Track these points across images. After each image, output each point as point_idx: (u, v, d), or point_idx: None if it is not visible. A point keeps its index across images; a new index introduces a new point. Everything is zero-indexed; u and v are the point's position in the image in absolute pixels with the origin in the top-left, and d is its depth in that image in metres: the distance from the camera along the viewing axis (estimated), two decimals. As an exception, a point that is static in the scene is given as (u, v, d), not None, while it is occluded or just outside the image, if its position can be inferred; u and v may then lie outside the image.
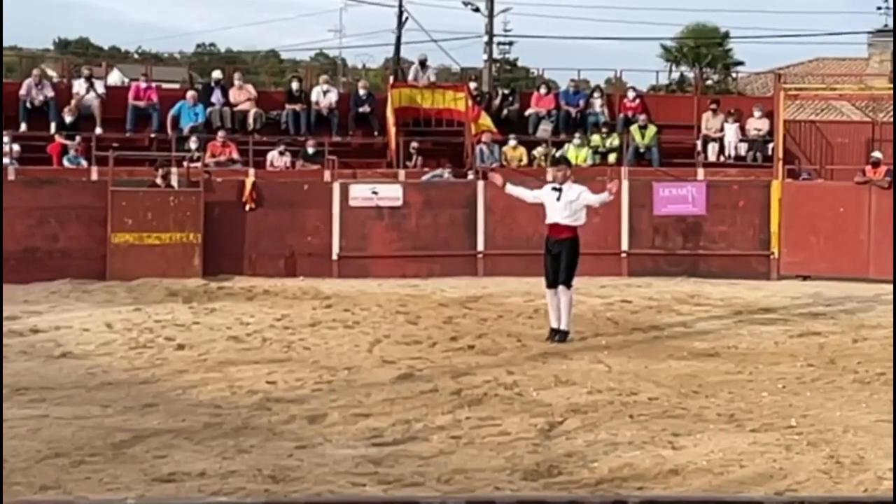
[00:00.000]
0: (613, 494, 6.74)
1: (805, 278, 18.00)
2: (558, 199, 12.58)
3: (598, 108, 21.63)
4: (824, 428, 8.74)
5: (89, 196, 17.47)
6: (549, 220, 12.71)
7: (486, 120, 21.15)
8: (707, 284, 17.16)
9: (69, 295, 15.59)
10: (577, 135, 20.84)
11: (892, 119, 23.91)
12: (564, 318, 12.54)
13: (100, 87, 21.23)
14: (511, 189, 13.14)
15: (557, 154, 20.79)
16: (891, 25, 32.71)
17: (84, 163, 19.29)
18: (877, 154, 18.86)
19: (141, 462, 7.77)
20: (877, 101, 23.37)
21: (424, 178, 19.68)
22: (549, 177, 13.30)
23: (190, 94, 20.89)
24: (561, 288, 12.51)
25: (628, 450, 8.13)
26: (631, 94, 22.14)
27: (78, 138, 19.53)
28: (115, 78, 23.64)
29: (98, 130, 20.21)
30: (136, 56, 54.78)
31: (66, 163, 19.31)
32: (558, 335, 12.43)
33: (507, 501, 2.64)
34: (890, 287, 16.70)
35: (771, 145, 19.99)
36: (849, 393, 10.08)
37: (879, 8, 34.66)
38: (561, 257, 12.52)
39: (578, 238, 12.73)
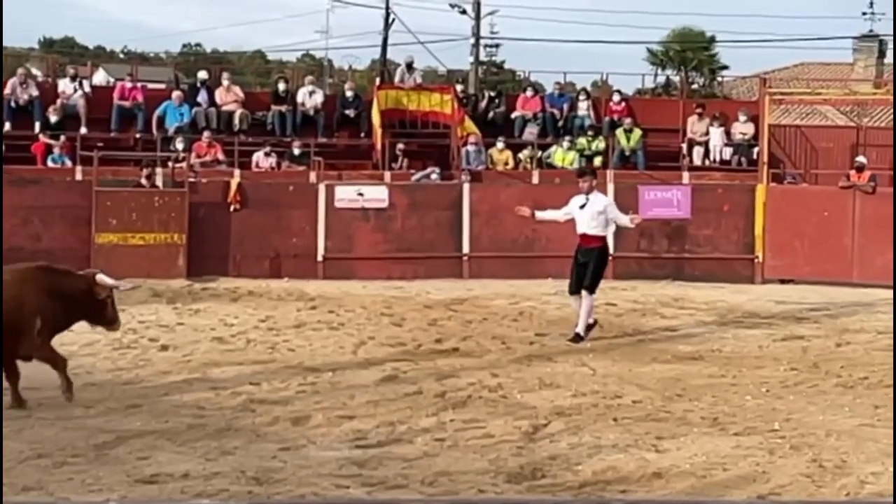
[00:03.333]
0: (597, 497, 6.76)
1: (788, 282, 18.06)
2: (582, 207, 12.80)
3: (583, 111, 21.65)
4: (807, 432, 8.77)
5: (73, 196, 17.42)
6: (579, 230, 12.93)
7: (469, 124, 21.14)
8: (691, 288, 17.20)
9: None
10: (566, 138, 20.86)
11: (876, 124, 24.01)
12: (581, 321, 12.66)
13: (85, 86, 21.16)
14: (540, 215, 13.56)
15: (544, 156, 20.83)
16: (875, 31, 32.86)
17: (68, 162, 19.22)
18: (861, 159, 18.93)
19: (124, 463, 7.75)
20: (861, 106, 23.44)
21: (414, 178, 19.69)
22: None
23: (175, 94, 20.83)
24: (584, 293, 12.71)
25: (612, 453, 8.14)
26: (616, 98, 22.16)
27: (63, 138, 19.45)
28: (100, 77, 23.63)
29: (83, 130, 20.13)
30: (121, 56, 54.60)
31: (50, 162, 19.23)
32: (573, 337, 12.56)
33: (490, 505, 2.63)
34: (874, 291, 16.78)
35: (756, 149, 20.03)
36: (832, 397, 10.12)
37: (864, 13, 34.74)
38: (588, 265, 12.75)
39: (608, 247, 13.09)
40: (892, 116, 26.03)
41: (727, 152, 21.02)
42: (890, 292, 16.63)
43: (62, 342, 11.94)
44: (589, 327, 12.78)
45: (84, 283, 9.68)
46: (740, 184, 19.30)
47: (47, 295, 9.35)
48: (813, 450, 8.23)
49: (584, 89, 23.14)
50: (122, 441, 8.26)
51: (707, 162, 20.99)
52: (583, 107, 21.75)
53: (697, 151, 21.07)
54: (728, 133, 21.13)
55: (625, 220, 13.16)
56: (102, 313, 9.83)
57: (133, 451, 8.02)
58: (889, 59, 31.43)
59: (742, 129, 21.01)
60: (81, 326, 12.86)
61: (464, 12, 36.57)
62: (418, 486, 7.40)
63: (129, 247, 17.24)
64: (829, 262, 17.87)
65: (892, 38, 32.19)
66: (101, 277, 9.78)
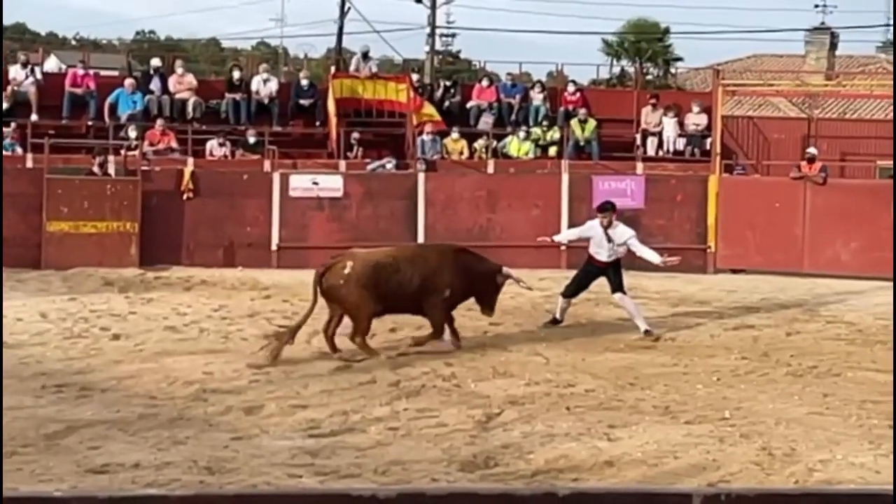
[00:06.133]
0: (548, 485, 6.79)
1: (740, 272, 18.21)
2: (609, 240, 12.86)
3: (538, 102, 21.71)
4: (757, 420, 8.87)
5: (24, 184, 17.21)
6: (594, 253, 12.99)
7: (429, 109, 21.13)
8: (644, 277, 17.25)
9: (2, 284, 15.36)
10: (523, 128, 20.92)
11: (827, 116, 24.27)
12: (638, 320, 12.73)
13: (36, 73, 20.92)
14: (558, 238, 14.25)
15: (499, 146, 20.86)
16: (827, 23, 33.16)
17: (19, 150, 19.01)
18: (812, 150, 19.11)
19: (74, 453, 7.70)
20: (813, 98, 23.69)
21: (369, 167, 19.66)
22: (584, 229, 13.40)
23: (128, 81, 20.65)
24: (619, 296, 12.94)
25: (564, 441, 8.19)
26: (571, 88, 22.25)
27: (13, 125, 19.24)
28: (51, 64, 23.36)
29: (34, 117, 19.92)
30: (73, 42, 54.02)
31: (0, 150, 19.01)
32: (645, 334, 12.50)
33: (439, 494, 2.65)
34: (824, 281, 16.98)
35: (709, 140, 20.19)
36: (782, 386, 10.23)
37: (816, 6, 35.04)
38: (608, 273, 12.91)
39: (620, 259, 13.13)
40: (841, 108, 26.35)
41: (680, 143, 21.17)
42: (838, 282, 16.86)
43: (12, 332, 11.87)
44: (555, 321, 12.99)
45: (491, 269, 11.82)
46: (693, 174, 19.44)
47: (460, 272, 11.53)
48: (762, 438, 8.32)
49: (539, 81, 23.21)
50: (73, 431, 8.20)
51: (661, 152, 21.14)
52: (538, 97, 21.81)
53: (651, 142, 21.21)
54: (681, 124, 21.28)
55: (652, 255, 13.05)
56: (492, 297, 11.85)
57: (84, 441, 7.97)
58: (840, 51, 31.73)
59: (695, 120, 21.16)
60: (30, 316, 12.80)
61: (419, 1, 36.51)
62: (371, 475, 7.41)
63: (80, 235, 17.08)
64: (780, 253, 18.05)
65: (890, 31, 32.54)
66: (507, 270, 11.93)
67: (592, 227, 13.06)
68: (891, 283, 17.18)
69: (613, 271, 12.96)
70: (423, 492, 2.62)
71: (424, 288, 11.35)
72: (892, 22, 37.60)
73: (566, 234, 14.36)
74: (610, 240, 12.82)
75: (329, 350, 11.15)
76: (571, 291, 13.14)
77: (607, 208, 13.10)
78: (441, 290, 11.42)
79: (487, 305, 11.85)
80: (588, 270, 13.04)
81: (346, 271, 11.20)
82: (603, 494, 2.81)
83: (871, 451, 8.03)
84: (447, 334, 11.63)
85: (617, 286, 12.95)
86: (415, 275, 11.33)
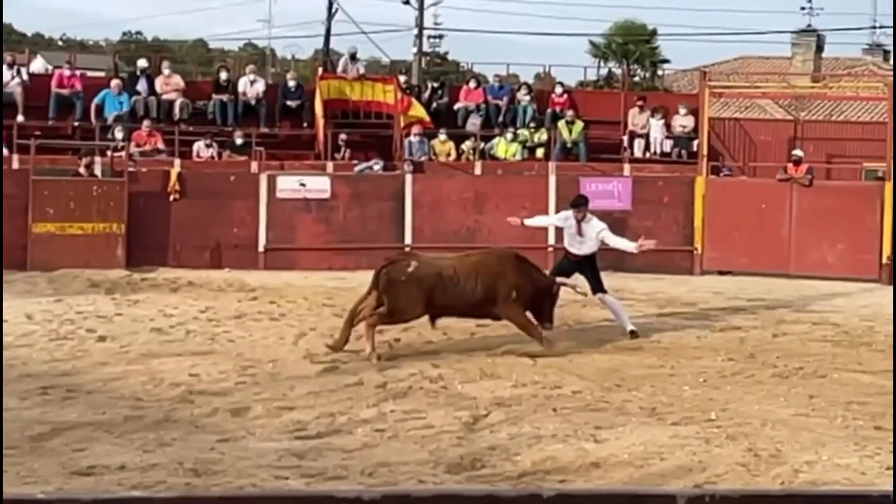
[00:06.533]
0: (535, 487, 6.79)
1: (726, 273, 18.25)
2: (580, 233, 12.84)
3: (525, 103, 21.72)
4: (743, 421, 8.88)
5: (10, 185, 17.12)
6: (567, 246, 12.98)
7: (417, 110, 21.11)
8: (632, 279, 17.31)
9: (2, 284, 15.29)
10: (510, 130, 20.94)
11: (814, 118, 24.33)
12: (623, 321, 12.74)
13: (23, 74, 20.85)
14: (529, 223, 13.84)
15: (487, 148, 20.87)
16: (814, 25, 33.25)
17: (5, 151, 18.94)
18: (798, 152, 19.16)
19: (59, 455, 7.67)
20: (799, 100, 23.76)
21: (356, 168, 19.64)
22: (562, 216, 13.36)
23: (114, 82, 20.60)
24: (601, 296, 12.90)
25: (551, 443, 8.19)
26: (559, 90, 22.27)
27: (-1, 126, 19.17)
28: (38, 65, 23.23)
29: (20, 118, 19.86)
30: (60, 43, 53.85)
31: (-14, 151, 18.94)
32: (630, 334, 12.53)
33: (424, 495, 2.65)
34: (810, 283, 17.03)
35: (696, 142, 20.22)
36: (768, 387, 10.24)
37: (803, 8, 35.12)
38: (584, 271, 12.85)
39: (595, 253, 13.06)
40: (827, 110, 26.43)
41: (667, 145, 21.21)
42: (824, 283, 16.91)
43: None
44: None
45: (548, 279, 12.06)
46: (680, 176, 19.47)
47: (522, 275, 11.70)
48: (749, 439, 8.33)
49: (525, 83, 23.24)
50: (58, 433, 8.17)
51: (647, 154, 21.18)
52: (525, 99, 21.83)
53: (638, 144, 21.25)
54: (668, 126, 21.32)
55: (626, 244, 13.10)
56: (548, 308, 11.87)
57: (69, 443, 7.94)
58: (826, 53, 31.83)
59: (682, 121, 21.20)
60: (15, 317, 12.75)
61: (407, 3, 36.48)
62: (358, 477, 7.40)
63: (66, 236, 17.03)
64: (767, 254, 18.09)
65: (876, 33, 32.65)
66: (561, 279, 12.17)
67: (567, 219, 13.03)
68: (876, 285, 17.28)
69: (590, 270, 12.88)
70: (408, 493, 2.62)
71: (490, 295, 11.54)
72: (877, 24, 37.66)
73: (537, 220, 14.07)
74: (581, 233, 12.82)
75: (344, 330, 11.32)
76: (556, 273, 13.01)
77: (581, 203, 13.06)
78: (507, 294, 11.60)
79: (546, 317, 11.84)
80: (562, 265, 13.01)
81: (410, 270, 11.35)
82: (588, 496, 2.81)
83: (856, 453, 8.05)
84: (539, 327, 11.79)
85: (596, 286, 12.89)
86: (478, 284, 11.47)
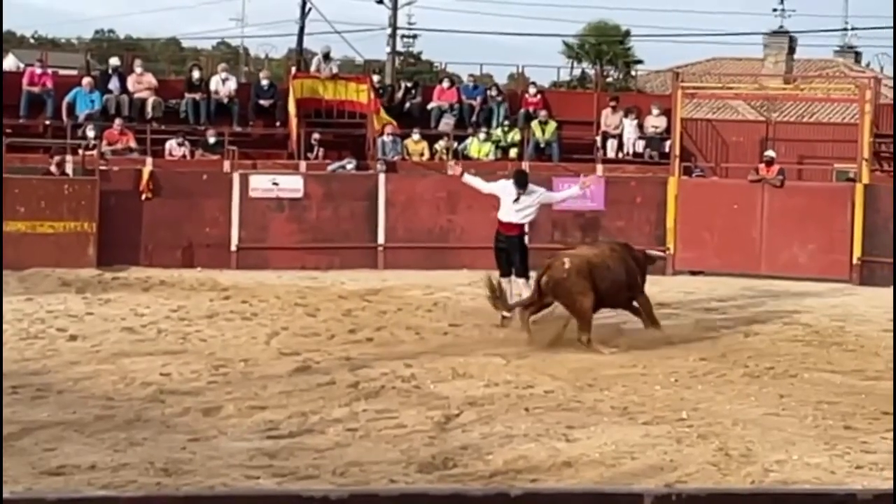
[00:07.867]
0: (503, 486, 6.80)
1: (698, 273, 18.33)
2: (516, 200, 12.95)
3: (496, 104, 21.74)
4: (714, 421, 8.93)
5: (-20, 183, 17.03)
6: (503, 217, 13.07)
7: (384, 115, 21.08)
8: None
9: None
10: (483, 129, 20.96)
11: (785, 119, 24.47)
12: (509, 304, 12.74)
13: (-7, 71, 20.71)
14: (467, 179, 13.84)
15: (460, 147, 20.87)
16: (785, 27, 33.46)
17: (-25, 149, 18.79)
18: (770, 153, 19.28)
19: (29, 455, 7.62)
20: (771, 101, 23.88)
21: (329, 168, 19.61)
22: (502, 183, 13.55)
23: (86, 80, 20.47)
24: (522, 281, 13.01)
25: (523, 442, 8.20)
26: (532, 90, 22.30)
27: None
28: (9, 63, 23.04)
29: (-10, 116, 19.70)
30: (32, 41, 53.50)
31: (-44, 149, 18.78)
32: (502, 319, 12.71)
33: (391, 494, 2.65)
34: (781, 283, 17.12)
35: (668, 143, 20.29)
36: (739, 387, 10.30)
37: (775, 10, 35.36)
38: (512, 254, 13.01)
39: (525, 234, 13.31)
40: (799, 112, 26.59)
41: (640, 145, 21.27)
42: (795, 284, 17.01)
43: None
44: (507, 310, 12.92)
45: (642, 254, 13.01)
46: (653, 176, 19.55)
47: (633, 260, 12.58)
48: (719, 438, 8.37)
49: (495, 84, 23.30)
50: (28, 432, 8.12)
51: (620, 154, 21.24)
52: (498, 99, 21.84)
53: (611, 144, 21.30)
54: (641, 126, 21.38)
55: (569, 192, 13.74)
56: (644, 279, 12.76)
57: (39, 443, 7.89)
58: (798, 54, 32.04)
59: (655, 122, 21.27)
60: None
61: (381, 2, 36.49)
62: (329, 476, 7.39)
63: (37, 235, 16.93)
64: (738, 255, 18.18)
65: (847, 35, 32.89)
66: (651, 252, 13.51)
67: (505, 188, 13.15)
68: (847, 286, 17.40)
69: (520, 252, 13.03)
70: (376, 493, 2.62)
71: (631, 282, 12.44)
72: (849, 26, 37.93)
73: (477, 182, 13.77)
74: (518, 200, 12.90)
75: (523, 327, 12.14)
76: (506, 271, 13.12)
77: (523, 182, 13.13)
78: (639, 284, 12.59)
79: (640, 286, 12.66)
80: (499, 248, 13.10)
81: (567, 266, 11.95)
82: (555, 494, 2.82)
83: (826, 452, 8.11)
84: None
85: (521, 270, 13.00)
86: (621, 271, 12.31)
